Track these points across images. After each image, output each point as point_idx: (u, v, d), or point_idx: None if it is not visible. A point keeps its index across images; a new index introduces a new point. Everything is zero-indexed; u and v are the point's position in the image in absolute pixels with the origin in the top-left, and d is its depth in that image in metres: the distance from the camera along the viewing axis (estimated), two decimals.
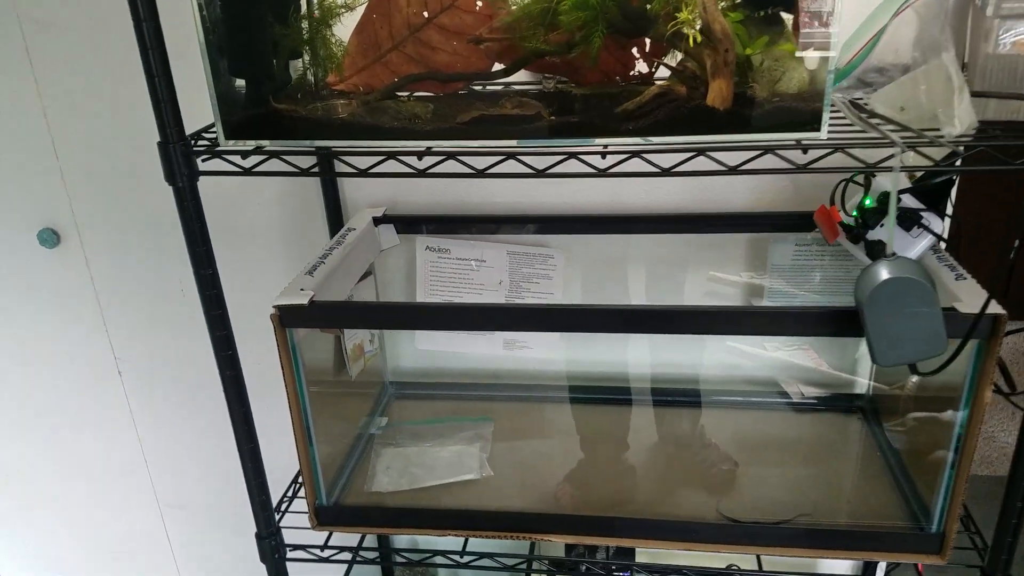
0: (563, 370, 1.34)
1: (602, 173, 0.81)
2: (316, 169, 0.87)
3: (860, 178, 1.00)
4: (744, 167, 0.79)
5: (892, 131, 0.79)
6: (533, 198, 1.24)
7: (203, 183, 0.86)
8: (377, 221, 1.22)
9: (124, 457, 1.64)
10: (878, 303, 0.79)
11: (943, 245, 1.08)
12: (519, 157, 0.80)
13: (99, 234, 1.41)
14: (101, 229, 1.41)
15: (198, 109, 0.86)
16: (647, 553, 1.27)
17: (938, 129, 0.79)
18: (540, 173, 0.81)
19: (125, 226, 1.40)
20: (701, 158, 0.79)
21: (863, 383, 1.28)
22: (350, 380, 1.19)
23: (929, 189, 0.99)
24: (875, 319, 0.80)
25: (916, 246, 0.97)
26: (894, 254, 0.82)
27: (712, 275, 1.27)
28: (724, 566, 1.20)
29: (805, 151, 0.78)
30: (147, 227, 1.39)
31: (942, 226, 1.00)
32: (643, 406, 1.32)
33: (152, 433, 1.61)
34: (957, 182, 1.16)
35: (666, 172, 0.80)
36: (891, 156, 0.76)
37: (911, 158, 0.80)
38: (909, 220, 0.97)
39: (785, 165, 0.78)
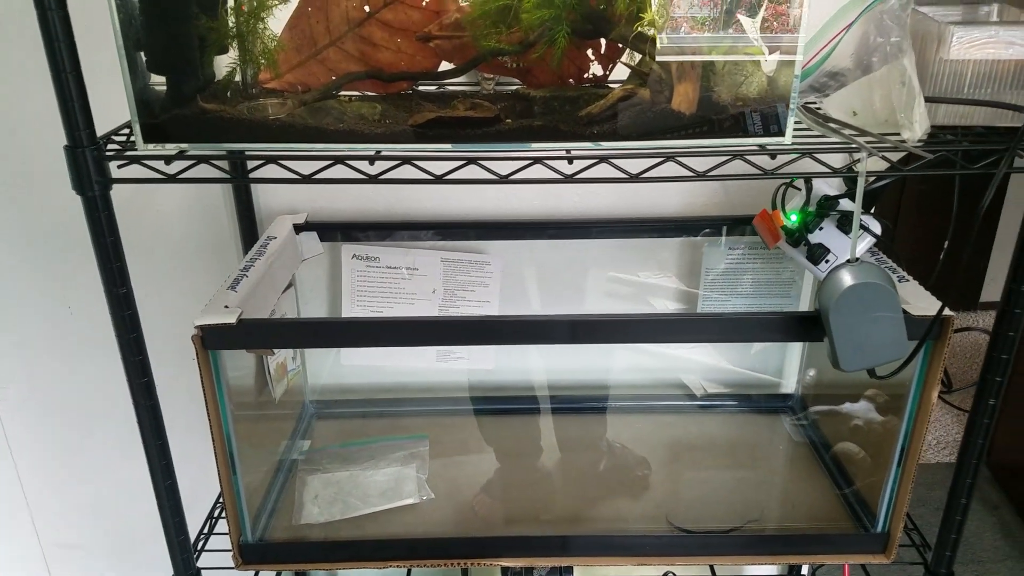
0: (497, 380, 1.29)
1: (569, 179, 0.76)
2: (250, 175, 0.78)
3: (799, 183, 1.00)
4: (713, 174, 0.76)
5: (854, 135, 0.79)
6: (466, 204, 1.18)
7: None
8: (298, 228, 1.13)
9: (1, 493, 1.46)
10: (843, 309, 0.79)
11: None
12: (481, 162, 0.75)
13: None
14: None
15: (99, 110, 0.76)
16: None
17: (894, 133, 0.79)
18: (504, 179, 0.76)
19: (3, 239, 1.24)
20: (668, 163, 0.76)
21: (789, 384, 1.29)
22: (273, 402, 1.10)
23: (868, 192, 1.01)
24: (840, 325, 0.80)
25: (856, 248, 0.98)
26: (858, 259, 0.82)
27: (648, 280, 1.26)
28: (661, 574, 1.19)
29: (773, 156, 0.76)
30: (29, 240, 1.23)
31: (879, 228, 1.01)
32: (584, 414, 1.29)
33: (33, 467, 1.44)
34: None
35: (635, 178, 0.76)
36: (857, 161, 0.76)
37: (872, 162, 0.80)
38: (849, 223, 0.98)
39: (752, 170, 0.77)
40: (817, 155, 0.76)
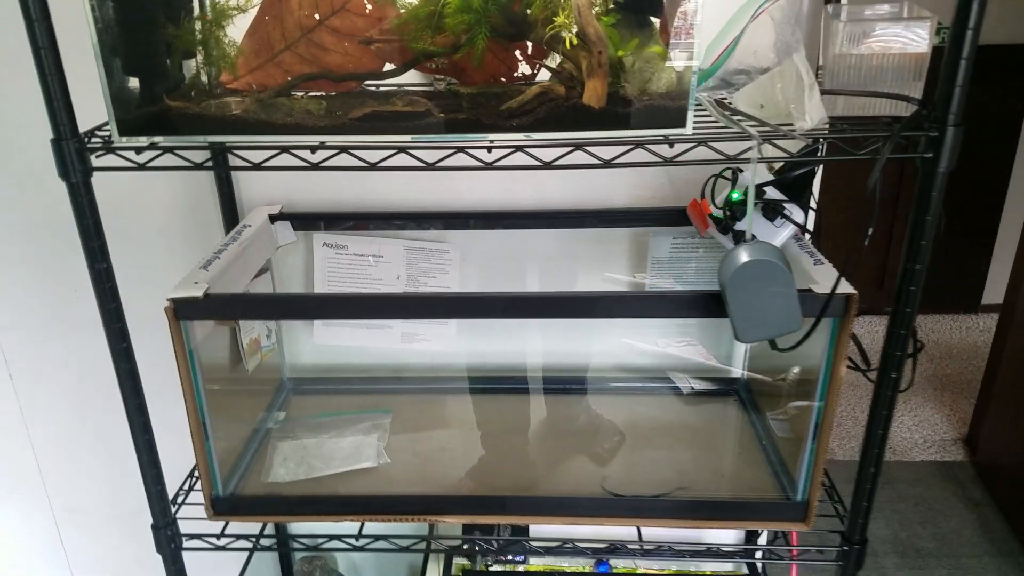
0: (460, 362, 1.39)
1: (489, 166, 0.86)
2: (209, 164, 0.88)
3: (728, 173, 1.08)
4: (617, 161, 0.85)
5: (750, 126, 0.87)
6: (429, 195, 1.28)
7: (98, 186, 0.87)
8: (273, 218, 1.23)
9: (15, 462, 1.59)
10: (739, 284, 0.87)
11: (808, 236, 1.18)
12: (410, 151, 0.85)
13: None
14: None
15: (88, 109, 0.87)
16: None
17: (792, 124, 0.87)
18: (431, 166, 0.85)
19: (15, 226, 1.37)
20: (580, 153, 0.85)
21: (738, 370, 1.37)
22: (247, 375, 1.20)
23: (791, 182, 1.08)
24: (736, 299, 0.87)
25: (779, 235, 1.06)
26: (753, 238, 0.90)
27: (607, 275, 1.34)
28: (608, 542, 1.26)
29: (671, 145, 0.85)
30: (38, 226, 1.36)
31: (803, 217, 1.09)
32: (537, 394, 1.38)
33: (45, 437, 1.57)
34: (820, 176, 1.27)
35: (547, 165, 0.85)
36: (749, 148, 0.84)
37: (770, 151, 0.88)
38: (773, 211, 1.06)
39: (654, 159, 0.85)
40: (712, 144, 0.84)
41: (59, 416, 1.54)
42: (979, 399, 2.36)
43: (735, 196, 1.05)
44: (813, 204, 1.24)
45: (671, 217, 1.25)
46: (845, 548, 1.03)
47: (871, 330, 3.11)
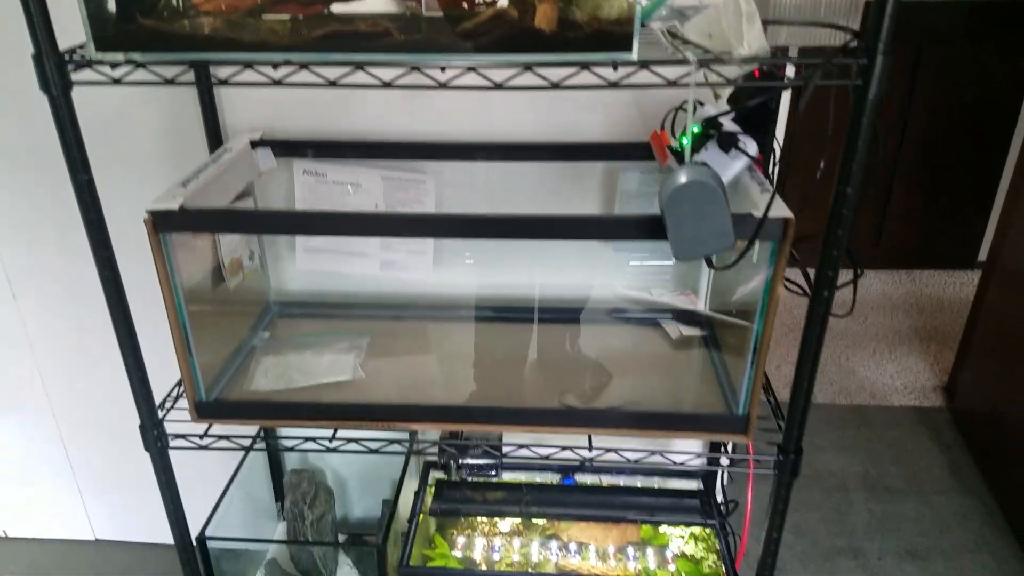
0: (436, 292, 1.45)
1: (442, 86, 0.91)
2: (182, 80, 0.94)
3: (687, 107, 1.13)
4: (566, 83, 0.90)
5: (690, 52, 0.91)
6: (407, 127, 1.33)
7: (85, 115, 0.93)
8: (255, 144, 1.29)
9: (21, 378, 1.68)
10: (675, 204, 0.92)
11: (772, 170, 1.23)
12: (368, 69, 0.90)
13: None
14: None
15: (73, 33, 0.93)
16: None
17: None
18: (387, 84, 0.91)
19: (14, 149, 1.44)
20: (530, 76, 0.90)
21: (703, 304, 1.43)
22: (230, 293, 1.28)
23: (748, 113, 1.13)
24: (673, 218, 0.93)
25: (733, 166, 1.10)
26: (693, 162, 0.95)
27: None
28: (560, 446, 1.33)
29: (615, 68, 0.89)
30: (36, 147, 1.43)
31: (756, 148, 1.13)
32: (511, 324, 1.45)
33: (48, 356, 1.66)
34: (787, 111, 1.31)
35: (498, 86, 0.91)
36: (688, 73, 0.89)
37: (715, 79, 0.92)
38: (727, 143, 1.10)
39: (600, 82, 0.90)
40: (654, 68, 0.89)
41: (62, 335, 1.63)
42: (959, 349, 2.40)
43: (696, 129, 1.10)
44: (779, 140, 1.29)
45: (640, 152, 1.30)
46: (780, 458, 1.10)
47: (865, 283, 3.16)
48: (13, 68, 1.35)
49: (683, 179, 0.92)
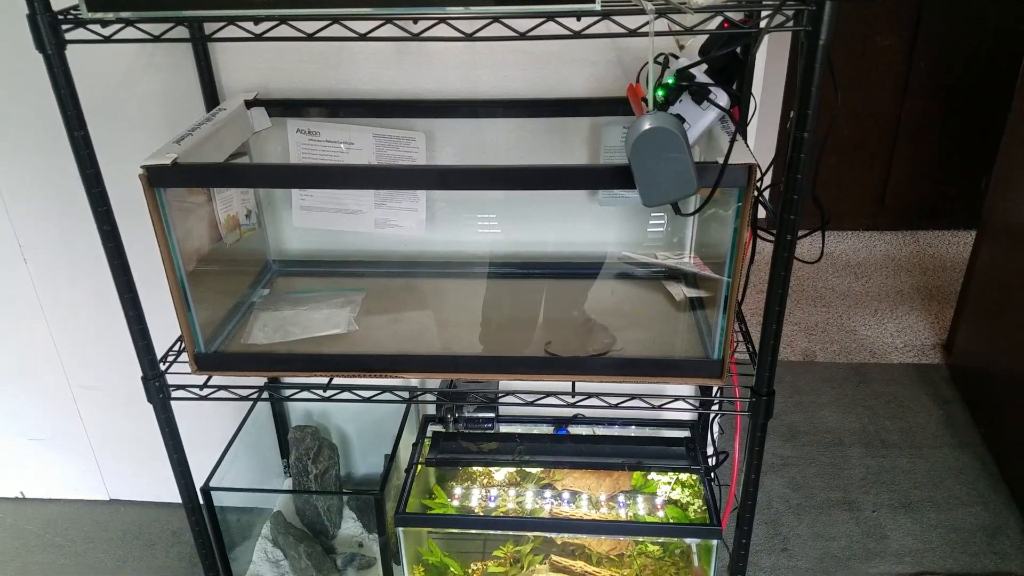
0: (430, 250, 1.50)
1: (415, 37, 0.95)
2: (167, 36, 0.99)
3: (662, 60, 1.16)
4: (532, 33, 0.93)
5: (648, 1, 0.94)
6: (396, 85, 1.37)
7: (91, 80, 0.98)
8: (249, 104, 1.34)
9: (35, 343, 1.75)
10: (640, 151, 0.95)
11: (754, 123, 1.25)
12: (344, 23, 0.94)
13: None
14: None
15: None
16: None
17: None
18: (362, 36, 0.95)
19: (22, 114, 1.49)
20: (500, 28, 0.94)
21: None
22: (227, 249, 1.33)
23: (720, 66, 1.15)
24: (639, 165, 0.96)
25: (705, 117, 1.13)
26: (656, 111, 0.98)
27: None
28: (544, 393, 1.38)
29: (579, 18, 0.93)
30: (46, 113, 1.48)
31: (728, 100, 1.16)
32: (502, 279, 1.49)
33: (61, 318, 1.72)
34: (763, 64, 1.33)
35: (468, 37, 0.94)
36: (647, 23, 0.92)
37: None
38: (699, 95, 1.13)
39: (564, 32, 0.93)
40: (614, 17, 0.92)
41: (73, 298, 1.69)
42: (957, 306, 2.42)
43: (670, 81, 1.13)
44: (756, 91, 1.31)
45: (625, 107, 1.33)
46: (754, 399, 1.14)
47: (869, 244, 3.17)
48: (16, 33, 1.40)
49: (646, 126, 0.95)
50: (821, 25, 0.89)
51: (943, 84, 2.93)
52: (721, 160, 1.01)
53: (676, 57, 1.17)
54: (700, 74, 1.14)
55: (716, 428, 1.64)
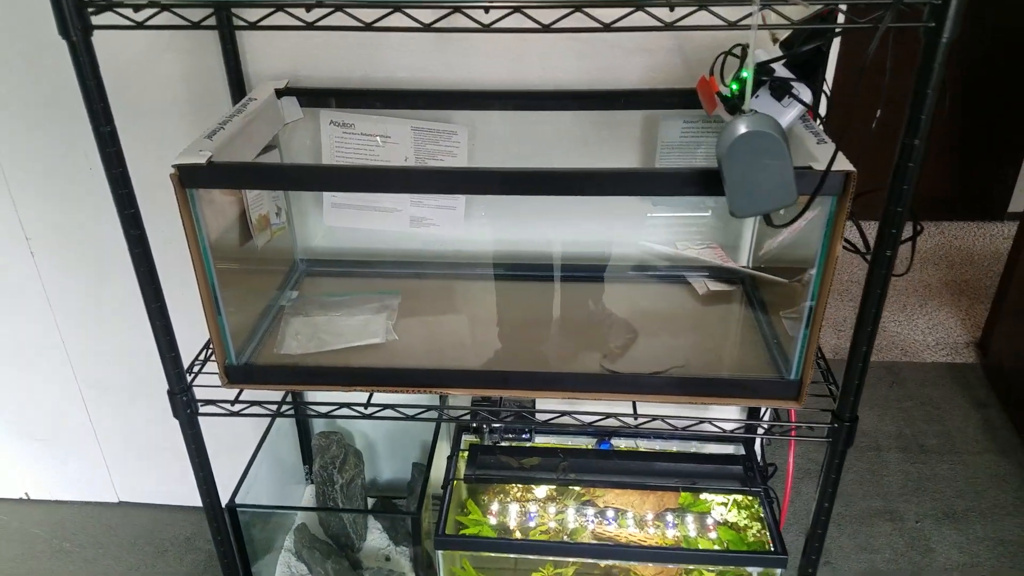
0: (468, 248, 1.40)
1: (486, 28, 0.85)
2: (207, 23, 0.88)
3: (738, 51, 1.06)
4: (617, 25, 0.83)
5: None
6: (437, 73, 1.27)
7: (106, 63, 0.87)
8: (280, 93, 1.23)
9: (41, 339, 1.65)
10: (735, 156, 0.86)
11: (821, 120, 1.16)
12: (406, 10, 0.84)
13: (3, 113, 1.40)
14: (5, 106, 1.39)
15: None
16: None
17: None
18: (427, 27, 0.84)
19: (29, 102, 1.38)
20: (580, 16, 0.84)
21: (745, 265, 1.37)
22: (257, 251, 1.23)
23: (801, 60, 1.06)
24: (732, 172, 0.87)
25: (786, 115, 1.03)
26: (752, 111, 0.88)
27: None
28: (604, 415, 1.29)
29: (672, 8, 0.83)
30: (52, 102, 1.37)
31: (811, 96, 1.07)
32: (546, 282, 1.40)
33: (67, 313, 1.62)
34: (837, 55, 1.23)
35: (546, 28, 0.84)
36: (750, 15, 0.82)
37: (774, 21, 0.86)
38: (780, 90, 1.04)
39: (654, 23, 0.83)
40: (712, 7, 0.82)
41: (80, 291, 1.59)
42: (993, 304, 2.34)
43: (744, 74, 1.03)
44: (828, 84, 1.22)
45: (683, 99, 1.23)
46: (835, 425, 1.05)
47: (905, 234, 3.08)
48: (30, 16, 1.29)
49: (743, 129, 0.86)
50: (946, 21, 0.79)
51: (968, 70, 2.83)
52: (811, 164, 0.92)
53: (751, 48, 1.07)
54: (778, 67, 1.05)
55: (763, 439, 1.56)
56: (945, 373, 2.32)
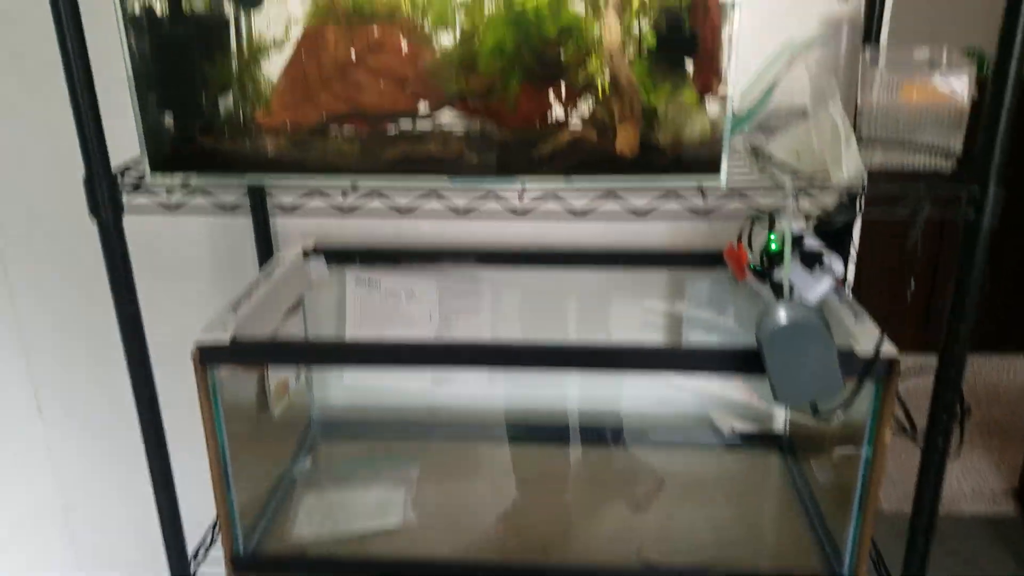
0: (491, 406, 1.35)
1: (520, 215, 0.84)
2: (242, 207, 0.88)
3: (763, 217, 1.05)
4: (651, 213, 0.82)
5: (785, 176, 0.84)
6: (463, 233, 1.26)
7: (130, 217, 0.87)
8: (307, 254, 1.23)
9: (39, 500, 1.58)
10: (777, 345, 0.83)
11: (846, 286, 1.14)
12: (441, 194, 0.83)
13: (24, 269, 1.40)
14: (26, 264, 1.39)
15: (120, 141, 0.87)
16: None
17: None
18: (461, 213, 0.84)
19: (51, 261, 1.38)
20: (611, 202, 0.83)
21: (780, 422, 1.32)
22: (272, 420, 1.18)
23: (831, 231, 1.05)
24: (775, 360, 0.83)
25: (818, 287, 1.01)
26: (791, 297, 0.86)
27: (646, 305, 1.31)
28: None
29: (705, 196, 0.82)
30: (74, 263, 1.37)
31: (843, 267, 1.04)
32: (572, 444, 1.34)
33: (71, 476, 1.56)
34: (859, 224, 1.23)
35: (579, 215, 0.83)
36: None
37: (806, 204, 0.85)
38: (811, 260, 1.02)
39: (687, 209, 0.82)
40: (747, 193, 0.81)
41: (86, 455, 1.54)
42: None
43: (773, 247, 1.02)
44: (853, 252, 1.20)
45: (708, 260, 1.22)
46: None
47: (916, 369, 3.02)
48: None
49: (783, 321, 0.83)
50: (985, 212, 0.78)
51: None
52: (853, 344, 0.89)
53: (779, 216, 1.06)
54: (808, 237, 1.03)
55: None
56: (986, 527, 2.20)
